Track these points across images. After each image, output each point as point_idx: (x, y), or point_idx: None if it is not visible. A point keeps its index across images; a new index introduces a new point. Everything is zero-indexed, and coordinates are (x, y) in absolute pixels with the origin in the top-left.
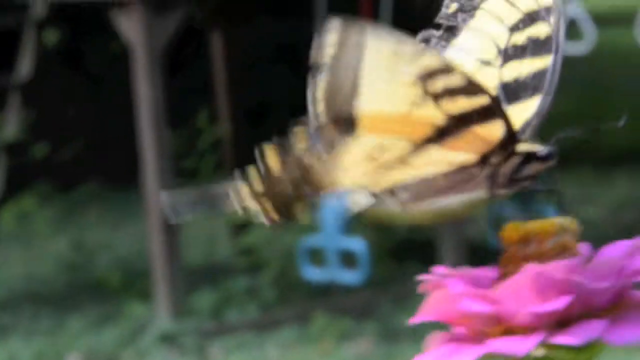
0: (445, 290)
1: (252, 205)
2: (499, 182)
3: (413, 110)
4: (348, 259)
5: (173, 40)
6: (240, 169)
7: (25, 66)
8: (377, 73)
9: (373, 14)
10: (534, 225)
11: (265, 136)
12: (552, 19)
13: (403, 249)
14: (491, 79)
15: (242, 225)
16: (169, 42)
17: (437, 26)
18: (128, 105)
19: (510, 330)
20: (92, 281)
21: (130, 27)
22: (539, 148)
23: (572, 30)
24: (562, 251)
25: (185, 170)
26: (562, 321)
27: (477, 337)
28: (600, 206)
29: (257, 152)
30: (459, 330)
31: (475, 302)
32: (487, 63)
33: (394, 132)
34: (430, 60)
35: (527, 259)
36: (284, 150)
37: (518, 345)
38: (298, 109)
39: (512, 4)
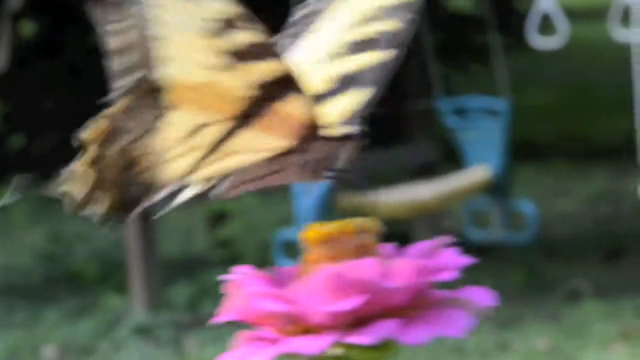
0: (244, 289)
1: (79, 192)
2: (315, 167)
3: (215, 77)
4: None
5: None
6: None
7: (0, 58)
8: (175, 27)
9: None
10: (335, 225)
11: None
12: (405, 16)
13: (380, 242)
14: (335, 69)
15: (219, 217)
16: None
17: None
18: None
19: (308, 329)
20: (69, 273)
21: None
22: (348, 129)
23: (545, 24)
24: (362, 251)
25: None
26: (359, 321)
27: (277, 337)
28: (575, 199)
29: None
30: (265, 330)
31: (269, 302)
32: (336, 54)
33: (203, 107)
34: (220, 5)
35: (327, 259)
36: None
37: (311, 345)
38: None
39: None
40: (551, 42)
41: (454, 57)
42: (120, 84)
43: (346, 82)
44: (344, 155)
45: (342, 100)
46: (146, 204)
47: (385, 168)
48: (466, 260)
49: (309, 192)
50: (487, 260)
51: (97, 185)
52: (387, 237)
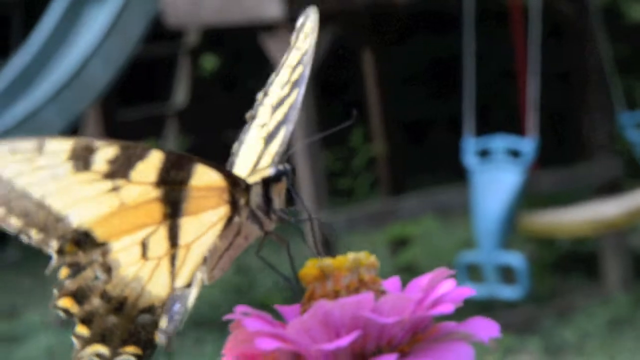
0: (244, 329)
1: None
2: (262, 215)
3: (113, 200)
4: (507, 273)
5: (325, 60)
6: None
7: (181, 93)
8: (43, 180)
9: (524, 27)
10: (331, 261)
11: (423, 153)
12: (305, 59)
13: (566, 262)
14: (263, 134)
15: (401, 243)
16: (320, 63)
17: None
18: None
19: None
20: (255, 304)
21: (279, 49)
22: (269, 171)
23: None
24: (359, 286)
25: (340, 190)
26: (358, 356)
27: None
28: None
29: (57, 306)
30: None
31: (267, 341)
32: (263, 125)
33: (132, 226)
34: (59, 144)
35: (325, 296)
36: (78, 292)
37: None
38: (455, 125)
39: (288, 64)
40: None
41: (638, 70)
42: (51, 250)
43: (279, 126)
44: (277, 193)
45: (274, 144)
46: (163, 331)
47: (569, 186)
48: (465, 292)
49: (489, 213)
50: None
51: (107, 331)
52: (573, 258)
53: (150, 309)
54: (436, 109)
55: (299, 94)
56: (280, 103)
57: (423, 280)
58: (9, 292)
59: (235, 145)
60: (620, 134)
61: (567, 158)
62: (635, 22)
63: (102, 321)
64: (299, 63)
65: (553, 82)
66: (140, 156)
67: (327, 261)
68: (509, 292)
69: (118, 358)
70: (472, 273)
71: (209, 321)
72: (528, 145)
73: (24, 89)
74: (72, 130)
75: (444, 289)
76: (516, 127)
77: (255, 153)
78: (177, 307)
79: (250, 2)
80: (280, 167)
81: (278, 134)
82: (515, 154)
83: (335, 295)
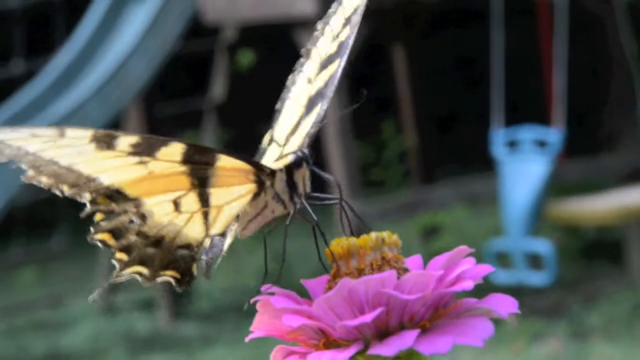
0: (273, 307)
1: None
2: (286, 198)
3: (143, 169)
4: (535, 260)
5: (357, 55)
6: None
7: (218, 88)
8: (72, 156)
9: (550, 23)
10: (356, 240)
11: (452, 144)
12: (353, 18)
13: (592, 249)
14: (305, 94)
15: (432, 231)
16: (352, 61)
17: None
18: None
19: (333, 343)
20: (292, 289)
21: None
22: (290, 158)
23: None
24: (382, 264)
25: (373, 180)
26: (382, 332)
27: (307, 351)
28: None
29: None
30: (300, 344)
31: (295, 318)
32: (310, 80)
33: (162, 189)
34: (79, 132)
35: (350, 273)
36: (115, 232)
37: (332, 359)
38: (483, 117)
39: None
40: None
41: None
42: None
43: (315, 101)
44: (300, 178)
45: (309, 118)
46: (200, 262)
47: (594, 175)
48: (484, 269)
49: (517, 202)
50: None
51: (147, 258)
52: (598, 245)
53: (187, 246)
54: (465, 102)
55: (339, 65)
56: (327, 61)
57: (443, 258)
58: (54, 280)
59: (289, 80)
60: None
61: (592, 148)
62: None
63: (141, 251)
64: (347, 21)
65: (580, 75)
66: (163, 143)
67: (352, 240)
68: (536, 279)
69: (159, 279)
70: (501, 260)
71: (245, 307)
72: (555, 136)
73: (68, 86)
74: (113, 125)
75: (464, 266)
76: (543, 119)
77: (297, 113)
78: (214, 244)
79: None
80: (300, 153)
81: (316, 107)
82: (542, 144)
83: (360, 273)
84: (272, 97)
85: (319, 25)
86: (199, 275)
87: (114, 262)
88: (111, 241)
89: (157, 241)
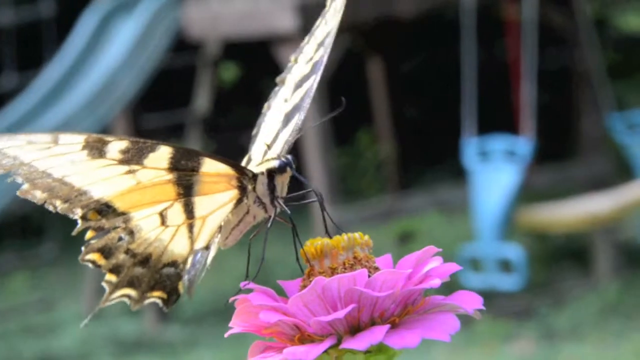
0: (249, 303)
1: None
2: (267, 202)
3: (131, 179)
4: (506, 265)
5: (335, 68)
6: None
7: (201, 101)
8: (64, 165)
9: (519, 36)
10: (329, 240)
11: (426, 153)
12: (327, 41)
13: (560, 254)
14: (283, 109)
15: (406, 236)
16: (330, 73)
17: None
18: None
19: (308, 338)
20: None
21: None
22: (273, 163)
23: None
24: (354, 263)
25: (350, 188)
26: (354, 328)
27: (283, 346)
28: None
29: (87, 262)
30: (276, 340)
31: (271, 314)
32: (286, 100)
33: (150, 201)
34: (73, 137)
35: (323, 272)
36: (105, 251)
37: (307, 353)
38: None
39: (315, 38)
40: None
41: (628, 75)
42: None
43: (291, 115)
44: (280, 182)
45: (287, 129)
46: (185, 279)
47: (563, 183)
48: (451, 267)
49: (488, 209)
50: None
51: (134, 279)
52: (566, 250)
53: (173, 264)
54: (439, 112)
55: (315, 80)
56: (301, 81)
57: (412, 257)
58: (45, 286)
59: (264, 107)
60: (609, 134)
61: (561, 156)
62: (628, 33)
63: (129, 271)
64: (320, 45)
65: (549, 86)
66: (151, 148)
67: (325, 240)
68: (507, 282)
69: (146, 301)
70: (473, 265)
71: (227, 310)
72: (524, 145)
73: (58, 99)
74: None
75: (432, 264)
76: (513, 129)
77: (274, 129)
78: (197, 260)
79: (265, 16)
80: (284, 159)
81: (293, 119)
82: (512, 154)
83: (333, 272)
84: (253, 111)
85: (293, 56)
86: (183, 293)
87: (103, 284)
88: (101, 261)
89: (145, 259)
